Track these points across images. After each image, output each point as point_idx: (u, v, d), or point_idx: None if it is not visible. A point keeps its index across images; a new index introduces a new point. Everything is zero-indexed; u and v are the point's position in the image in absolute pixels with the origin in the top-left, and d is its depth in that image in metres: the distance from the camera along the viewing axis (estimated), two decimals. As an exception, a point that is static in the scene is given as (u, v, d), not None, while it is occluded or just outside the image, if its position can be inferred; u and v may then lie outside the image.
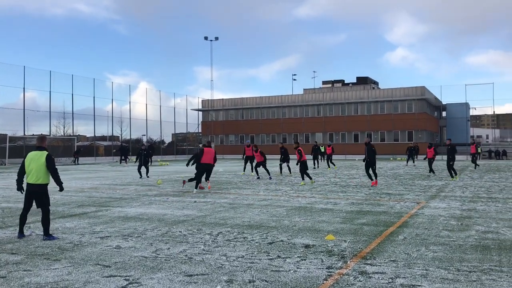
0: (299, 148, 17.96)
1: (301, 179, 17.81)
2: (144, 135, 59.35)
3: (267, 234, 7.58)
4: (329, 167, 29.29)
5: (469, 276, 5.14)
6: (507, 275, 5.17)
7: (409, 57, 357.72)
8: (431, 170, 22.55)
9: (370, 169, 16.76)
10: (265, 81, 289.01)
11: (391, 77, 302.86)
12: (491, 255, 6.13)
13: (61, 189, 7.56)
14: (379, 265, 5.62)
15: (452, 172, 19.26)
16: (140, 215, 9.86)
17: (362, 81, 74.45)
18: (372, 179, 16.69)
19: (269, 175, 20.14)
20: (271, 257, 6.05)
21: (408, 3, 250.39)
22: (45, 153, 7.34)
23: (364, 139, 18.57)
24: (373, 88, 70.16)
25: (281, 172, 23.14)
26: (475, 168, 28.67)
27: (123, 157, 40.47)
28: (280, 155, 22.28)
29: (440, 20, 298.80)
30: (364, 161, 17.01)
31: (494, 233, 7.59)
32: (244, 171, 23.32)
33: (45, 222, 7.26)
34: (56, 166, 7.49)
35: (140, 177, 20.65)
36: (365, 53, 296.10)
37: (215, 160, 15.52)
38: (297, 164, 17.79)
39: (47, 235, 7.28)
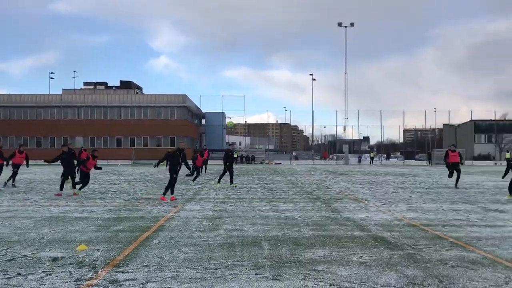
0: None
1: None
2: None
3: (7, 250, 6.69)
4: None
5: (215, 273, 5.52)
6: (246, 268, 5.74)
7: (172, 65, 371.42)
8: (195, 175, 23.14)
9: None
10: (16, 77, 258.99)
11: (155, 83, 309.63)
12: (235, 251, 6.72)
13: None
14: (131, 272, 5.55)
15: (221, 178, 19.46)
16: None
17: (126, 85, 73.73)
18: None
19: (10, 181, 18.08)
20: (9, 276, 5.34)
21: (171, 14, 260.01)
22: None
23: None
24: (137, 93, 70.22)
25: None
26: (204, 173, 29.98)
27: None
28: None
29: (199, 34, 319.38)
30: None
31: (239, 231, 8.38)
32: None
33: None
34: None
35: None
36: (130, 58, 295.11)
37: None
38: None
39: None
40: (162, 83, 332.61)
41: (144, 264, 5.92)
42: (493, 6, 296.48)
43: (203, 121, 76.56)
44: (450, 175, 18.74)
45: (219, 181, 18.52)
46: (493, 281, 5.25)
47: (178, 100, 61.66)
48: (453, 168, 18.29)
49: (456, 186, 18.02)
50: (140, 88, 77.60)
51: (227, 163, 18.08)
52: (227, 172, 18.32)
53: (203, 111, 72.64)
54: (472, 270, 5.69)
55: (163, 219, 9.74)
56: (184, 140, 55.95)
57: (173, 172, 13.10)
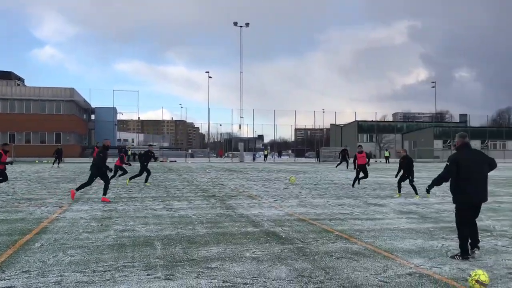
0: None
1: None
2: None
3: None
4: None
5: (104, 276, 5.26)
6: (137, 269, 5.55)
7: (58, 56, 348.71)
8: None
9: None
10: None
11: (39, 75, 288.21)
12: (126, 252, 6.48)
13: None
14: (8, 279, 5.09)
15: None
16: None
17: (5, 76, 67.70)
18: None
19: None
20: None
21: (57, 1, 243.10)
22: None
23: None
24: (18, 84, 64.86)
25: None
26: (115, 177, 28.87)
27: None
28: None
29: (90, 24, 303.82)
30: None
31: (130, 231, 8.09)
32: None
33: None
34: None
35: None
36: (9, 46, 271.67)
37: None
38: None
39: None
40: (47, 75, 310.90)
41: (24, 270, 5.46)
42: (376, 15, 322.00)
43: (93, 117, 72.81)
44: (357, 176, 17.92)
45: (146, 181, 18.48)
46: (373, 270, 5.67)
47: (65, 94, 57.96)
48: (361, 169, 17.89)
49: (358, 183, 18.14)
50: (22, 80, 71.70)
51: (145, 163, 18.49)
52: (141, 170, 18.46)
53: (93, 105, 69.11)
54: (355, 261, 6.09)
55: (47, 221, 9.08)
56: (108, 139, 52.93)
57: (103, 170, 12.45)
